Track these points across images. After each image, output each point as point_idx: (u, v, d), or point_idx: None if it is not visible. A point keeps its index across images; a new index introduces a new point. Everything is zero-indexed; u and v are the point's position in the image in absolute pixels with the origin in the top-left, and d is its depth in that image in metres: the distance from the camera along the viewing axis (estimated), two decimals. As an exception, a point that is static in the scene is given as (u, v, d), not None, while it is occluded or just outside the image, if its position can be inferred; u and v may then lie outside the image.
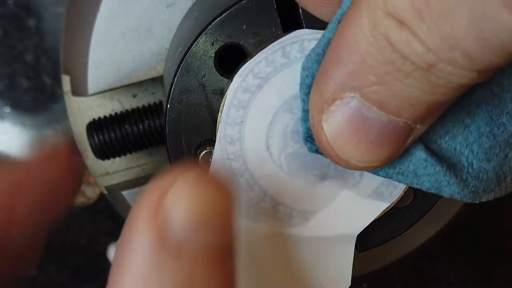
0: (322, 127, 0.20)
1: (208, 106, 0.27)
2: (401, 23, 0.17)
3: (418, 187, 0.23)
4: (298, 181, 0.26)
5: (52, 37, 0.44)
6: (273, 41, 0.25)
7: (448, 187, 0.22)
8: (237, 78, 0.25)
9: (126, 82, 0.32)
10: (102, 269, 0.48)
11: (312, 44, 0.23)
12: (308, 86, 0.22)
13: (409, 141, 0.21)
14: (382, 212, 0.26)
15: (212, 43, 0.26)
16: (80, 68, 0.33)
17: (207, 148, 0.27)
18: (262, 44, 0.26)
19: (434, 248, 0.38)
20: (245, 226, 0.26)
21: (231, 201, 0.19)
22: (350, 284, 0.27)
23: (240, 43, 0.26)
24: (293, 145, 0.25)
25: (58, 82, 0.44)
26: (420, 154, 0.21)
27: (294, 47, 0.25)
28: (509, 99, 0.22)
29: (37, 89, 0.45)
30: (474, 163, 0.22)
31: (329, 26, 0.21)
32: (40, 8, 0.44)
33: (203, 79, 0.26)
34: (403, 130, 0.20)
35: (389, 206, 0.26)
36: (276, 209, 0.26)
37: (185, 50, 0.26)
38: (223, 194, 0.19)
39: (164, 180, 0.19)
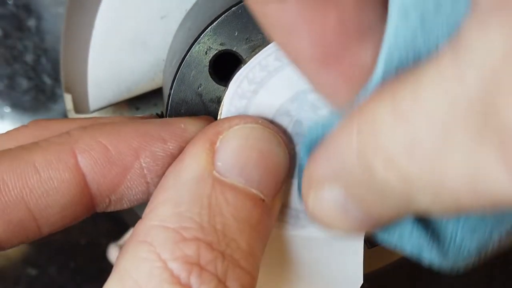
0: (308, 201, 0.21)
1: (206, 115, 0.27)
2: (388, 162, 0.17)
3: (400, 249, 0.23)
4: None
5: (52, 37, 0.45)
6: (266, 46, 0.25)
7: (429, 256, 0.22)
8: (232, 85, 0.25)
9: (126, 96, 0.33)
10: (102, 270, 0.49)
11: None
12: (307, 148, 0.22)
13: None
14: None
15: (206, 52, 0.26)
16: (80, 86, 0.33)
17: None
18: (255, 49, 0.26)
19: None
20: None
21: (280, 159, 0.22)
22: (362, 282, 0.27)
23: (234, 50, 0.26)
24: (293, 147, 0.25)
25: (58, 83, 0.45)
26: (407, 222, 0.21)
27: None
28: None
29: (37, 89, 0.45)
30: (458, 238, 0.22)
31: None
32: (40, 8, 0.44)
33: (200, 88, 0.27)
34: (386, 223, 0.21)
35: None
36: (282, 212, 0.26)
37: (180, 61, 0.26)
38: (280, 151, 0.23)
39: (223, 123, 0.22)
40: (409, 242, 0.22)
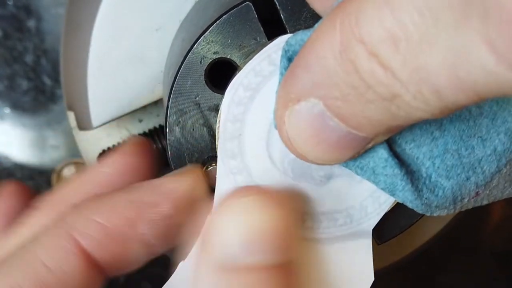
0: (284, 122, 0.20)
1: (206, 124, 0.27)
2: (372, 54, 0.17)
3: (374, 184, 0.22)
4: (305, 184, 0.26)
5: (52, 38, 0.45)
6: (259, 51, 0.25)
7: (402, 193, 0.22)
8: (228, 92, 0.25)
9: (127, 110, 0.33)
10: None
11: None
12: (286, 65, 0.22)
13: (369, 146, 0.20)
14: (393, 204, 0.26)
15: (200, 62, 0.26)
16: (82, 103, 0.33)
17: (212, 165, 0.27)
18: (249, 55, 0.26)
19: (433, 249, 0.38)
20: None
21: (287, 221, 0.21)
22: (373, 279, 0.27)
23: (228, 57, 0.26)
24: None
25: (58, 83, 0.45)
26: (382, 152, 0.21)
27: (280, 53, 0.25)
28: (485, 124, 0.22)
29: (37, 90, 0.46)
30: (433, 176, 0.21)
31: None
32: (40, 9, 0.44)
33: (197, 98, 0.27)
34: (363, 140, 0.20)
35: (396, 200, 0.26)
36: None
37: (175, 72, 0.27)
38: (277, 215, 0.21)
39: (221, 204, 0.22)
40: (382, 178, 0.22)
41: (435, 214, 0.22)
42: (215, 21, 0.26)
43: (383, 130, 0.19)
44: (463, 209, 0.22)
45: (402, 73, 0.17)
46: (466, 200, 0.22)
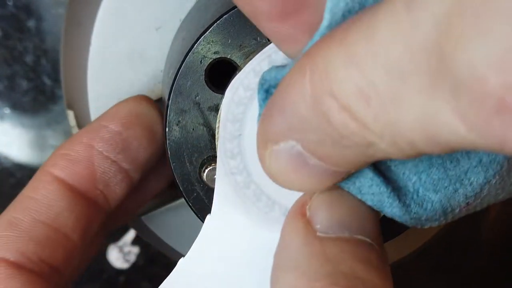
0: (265, 161, 0.21)
1: (205, 124, 0.27)
2: (344, 108, 0.17)
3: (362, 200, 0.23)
4: None
5: (52, 38, 0.44)
6: (259, 51, 0.25)
7: (390, 209, 0.22)
8: (228, 92, 0.25)
9: (127, 109, 0.33)
10: (102, 270, 0.49)
11: None
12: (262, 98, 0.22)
13: (352, 172, 0.21)
14: None
15: (200, 61, 0.26)
16: (81, 102, 0.33)
17: (212, 165, 0.27)
18: (249, 55, 0.26)
19: (433, 249, 0.38)
20: (258, 237, 0.26)
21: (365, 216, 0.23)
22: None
23: (228, 57, 0.26)
24: None
25: (58, 83, 0.45)
26: (367, 172, 0.21)
27: (280, 54, 0.25)
28: None
29: (37, 90, 0.46)
30: (420, 191, 0.22)
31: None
32: (40, 9, 0.44)
33: (197, 98, 0.27)
34: (345, 172, 0.20)
35: None
36: None
37: (175, 71, 0.27)
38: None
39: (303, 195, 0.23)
40: (368, 196, 0.22)
41: (425, 227, 0.23)
42: (215, 21, 0.26)
43: (363, 166, 0.20)
44: (455, 219, 0.22)
45: (375, 126, 0.17)
46: (457, 211, 0.22)
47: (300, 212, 0.23)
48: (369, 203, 0.22)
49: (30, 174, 0.29)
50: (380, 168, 0.22)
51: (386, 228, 0.24)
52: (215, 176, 0.26)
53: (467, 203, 0.22)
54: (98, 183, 0.29)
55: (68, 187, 0.29)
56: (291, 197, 0.26)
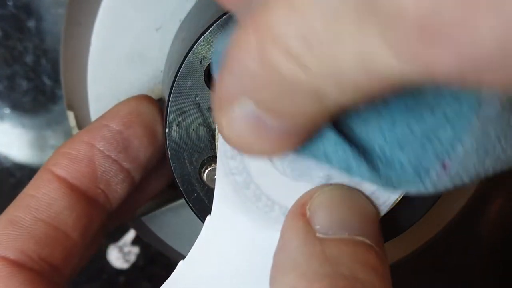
0: (223, 127, 0.20)
1: (205, 125, 0.27)
2: (288, 53, 0.17)
3: (329, 166, 0.22)
4: (304, 185, 0.26)
5: (52, 38, 0.44)
6: None
7: (358, 171, 0.21)
8: (228, 93, 0.25)
9: (127, 109, 0.33)
10: (102, 270, 0.49)
11: None
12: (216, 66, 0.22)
13: (314, 130, 0.20)
14: (393, 204, 0.26)
15: (200, 62, 0.26)
16: (81, 102, 0.33)
17: (212, 165, 0.27)
18: (249, 56, 0.26)
19: (433, 249, 0.38)
20: (258, 237, 0.26)
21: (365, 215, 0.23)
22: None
23: (228, 57, 0.26)
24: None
25: (58, 84, 0.45)
26: (330, 135, 0.21)
27: None
28: (431, 91, 0.21)
29: (37, 90, 0.45)
30: (386, 150, 0.21)
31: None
32: (40, 9, 0.44)
33: (197, 98, 0.27)
34: (304, 129, 0.20)
35: (396, 201, 0.26)
36: None
37: (175, 72, 0.27)
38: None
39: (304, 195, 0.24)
40: (335, 160, 0.22)
41: (402, 189, 0.22)
42: (215, 21, 0.26)
43: (320, 118, 0.19)
44: (444, 188, 0.22)
45: (320, 70, 0.17)
46: (433, 173, 0.21)
47: (300, 212, 0.23)
48: (337, 166, 0.22)
49: (30, 174, 0.29)
50: (344, 131, 0.22)
51: (386, 228, 0.24)
52: (215, 177, 0.26)
53: (444, 165, 0.21)
54: (99, 182, 0.29)
55: (69, 186, 0.29)
56: (291, 197, 0.26)
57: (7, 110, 0.46)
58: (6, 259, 0.27)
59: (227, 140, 0.21)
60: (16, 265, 0.27)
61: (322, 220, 0.23)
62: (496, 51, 0.14)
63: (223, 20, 0.26)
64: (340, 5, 0.16)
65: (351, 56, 0.16)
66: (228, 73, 0.19)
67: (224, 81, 0.20)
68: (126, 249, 0.48)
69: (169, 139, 0.27)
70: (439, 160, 0.21)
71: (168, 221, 0.35)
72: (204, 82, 0.26)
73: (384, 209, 0.26)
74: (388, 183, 0.22)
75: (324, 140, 0.21)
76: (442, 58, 0.15)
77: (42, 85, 0.45)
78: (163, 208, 0.35)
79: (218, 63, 0.21)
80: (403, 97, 0.21)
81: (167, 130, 0.27)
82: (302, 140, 0.21)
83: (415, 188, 0.22)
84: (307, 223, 0.23)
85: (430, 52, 0.15)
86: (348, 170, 0.22)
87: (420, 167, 0.21)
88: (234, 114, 0.19)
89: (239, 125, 0.20)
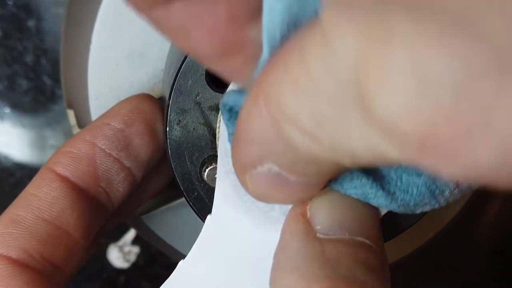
0: (247, 185, 0.21)
1: (206, 124, 0.27)
2: (302, 130, 0.17)
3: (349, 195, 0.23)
4: None
5: (52, 38, 0.44)
6: None
7: (375, 199, 0.22)
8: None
9: (127, 108, 0.33)
10: (102, 269, 0.49)
11: None
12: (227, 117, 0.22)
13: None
14: None
15: (201, 61, 0.26)
16: (82, 101, 0.33)
17: (212, 164, 0.27)
18: (250, 55, 0.26)
19: (433, 249, 0.38)
20: (258, 237, 0.26)
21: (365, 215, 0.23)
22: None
23: (229, 56, 0.26)
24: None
25: (58, 83, 0.45)
26: (345, 172, 0.21)
27: None
28: None
29: (37, 90, 0.45)
30: (403, 176, 0.22)
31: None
32: (40, 8, 0.44)
33: (198, 97, 0.27)
34: (326, 181, 0.21)
35: None
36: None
37: (176, 71, 0.27)
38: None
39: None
40: (351, 189, 0.22)
41: (418, 212, 0.23)
42: (216, 20, 0.26)
43: (338, 172, 0.21)
44: (450, 201, 0.22)
45: (333, 146, 0.17)
46: (447, 192, 0.22)
47: (300, 213, 0.24)
48: (354, 195, 0.22)
49: (30, 174, 0.29)
50: None
51: (386, 228, 0.24)
52: (215, 176, 0.26)
53: (457, 184, 0.22)
54: (101, 181, 0.29)
55: (71, 185, 0.29)
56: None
57: (7, 110, 0.46)
58: (8, 258, 0.27)
59: (254, 196, 0.22)
60: (18, 264, 0.27)
61: (322, 220, 0.23)
62: (495, 165, 0.14)
63: (224, 19, 0.26)
64: (342, 97, 0.16)
65: (360, 145, 0.16)
66: (245, 141, 0.20)
67: (242, 148, 0.20)
68: (126, 249, 0.48)
69: (169, 138, 0.27)
70: (455, 183, 0.22)
71: (168, 220, 0.35)
72: (205, 81, 0.26)
73: (384, 209, 0.26)
74: (406, 208, 0.22)
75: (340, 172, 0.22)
76: (443, 166, 0.15)
77: (42, 85, 0.45)
78: (164, 207, 0.35)
79: (230, 113, 0.22)
80: None
81: (167, 129, 0.27)
82: (322, 187, 0.22)
83: (429, 208, 0.22)
84: (308, 224, 0.23)
85: (432, 162, 0.15)
86: (365, 198, 0.22)
87: (436, 189, 0.22)
88: (258, 175, 0.20)
89: (264, 183, 0.20)
